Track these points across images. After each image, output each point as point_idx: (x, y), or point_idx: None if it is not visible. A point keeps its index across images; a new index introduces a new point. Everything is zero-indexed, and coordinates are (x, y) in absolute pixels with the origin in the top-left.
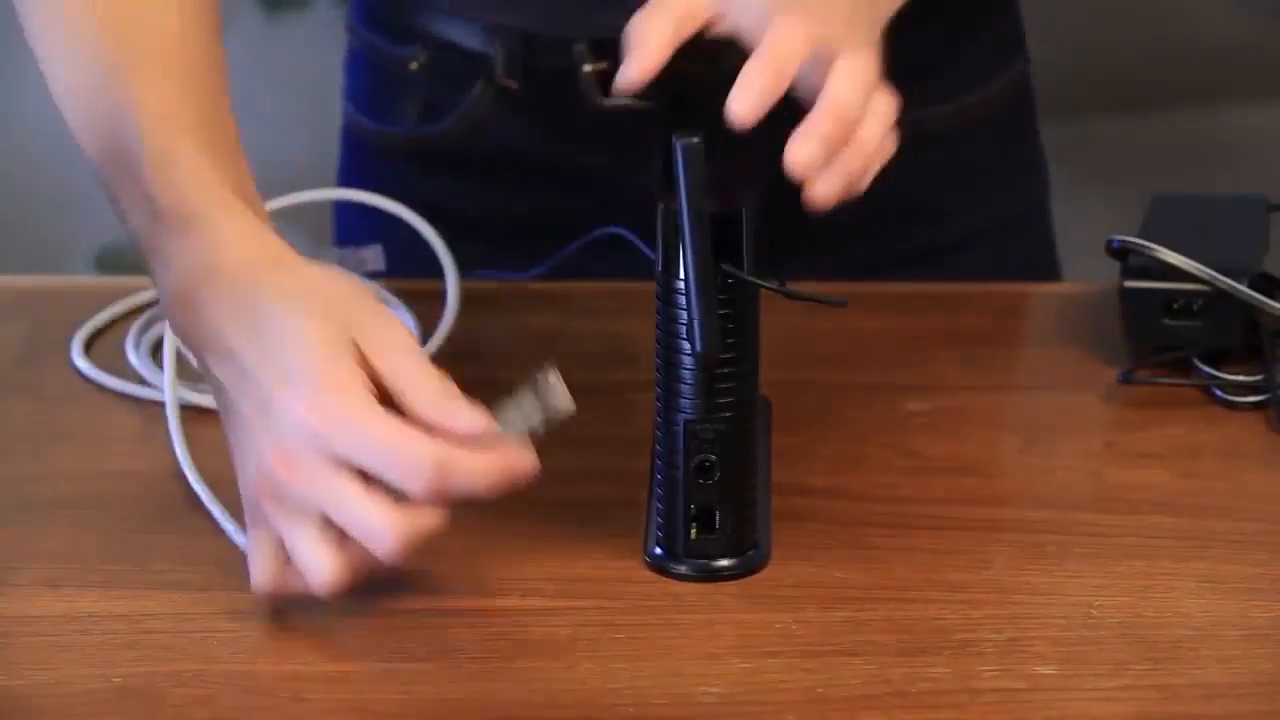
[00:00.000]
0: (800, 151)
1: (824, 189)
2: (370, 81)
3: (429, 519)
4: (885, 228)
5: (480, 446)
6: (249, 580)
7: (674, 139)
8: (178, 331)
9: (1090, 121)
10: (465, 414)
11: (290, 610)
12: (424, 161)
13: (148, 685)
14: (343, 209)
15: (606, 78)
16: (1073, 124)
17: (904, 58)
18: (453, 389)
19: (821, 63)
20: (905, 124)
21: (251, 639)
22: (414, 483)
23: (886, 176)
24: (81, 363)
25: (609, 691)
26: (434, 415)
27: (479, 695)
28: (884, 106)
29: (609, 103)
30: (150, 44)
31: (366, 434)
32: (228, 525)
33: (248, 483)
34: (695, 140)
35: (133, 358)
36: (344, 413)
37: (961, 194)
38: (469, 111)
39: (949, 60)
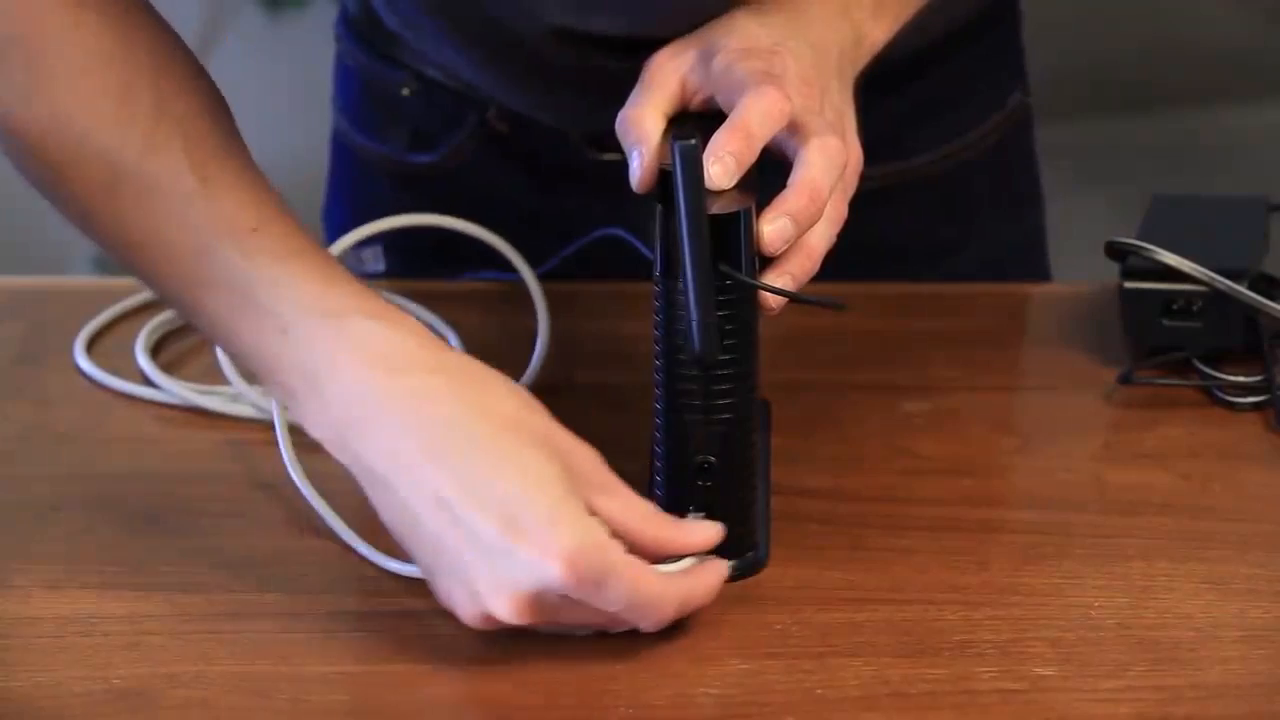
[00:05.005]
0: (773, 227)
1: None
2: (359, 97)
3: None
4: (882, 272)
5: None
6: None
7: (672, 142)
8: (325, 441)
9: (1090, 121)
10: (699, 533)
11: (290, 612)
12: (411, 186)
13: (146, 687)
14: (333, 208)
15: (599, 137)
16: (1073, 124)
17: (900, 111)
18: (663, 515)
19: (796, 130)
20: (901, 170)
21: (250, 640)
22: (654, 624)
23: (882, 221)
24: (84, 363)
25: (608, 692)
26: (670, 549)
27: (478, 696)
28: (851, 181)
29: (604, 157)
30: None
31: (622, 589)
32: (359, 544)
33: (459, 604)
34: (693, 142)
35: (141, 361)
36: (595, 573)
37: (959, 232)
38: (459, 148)
39: (947, 106)
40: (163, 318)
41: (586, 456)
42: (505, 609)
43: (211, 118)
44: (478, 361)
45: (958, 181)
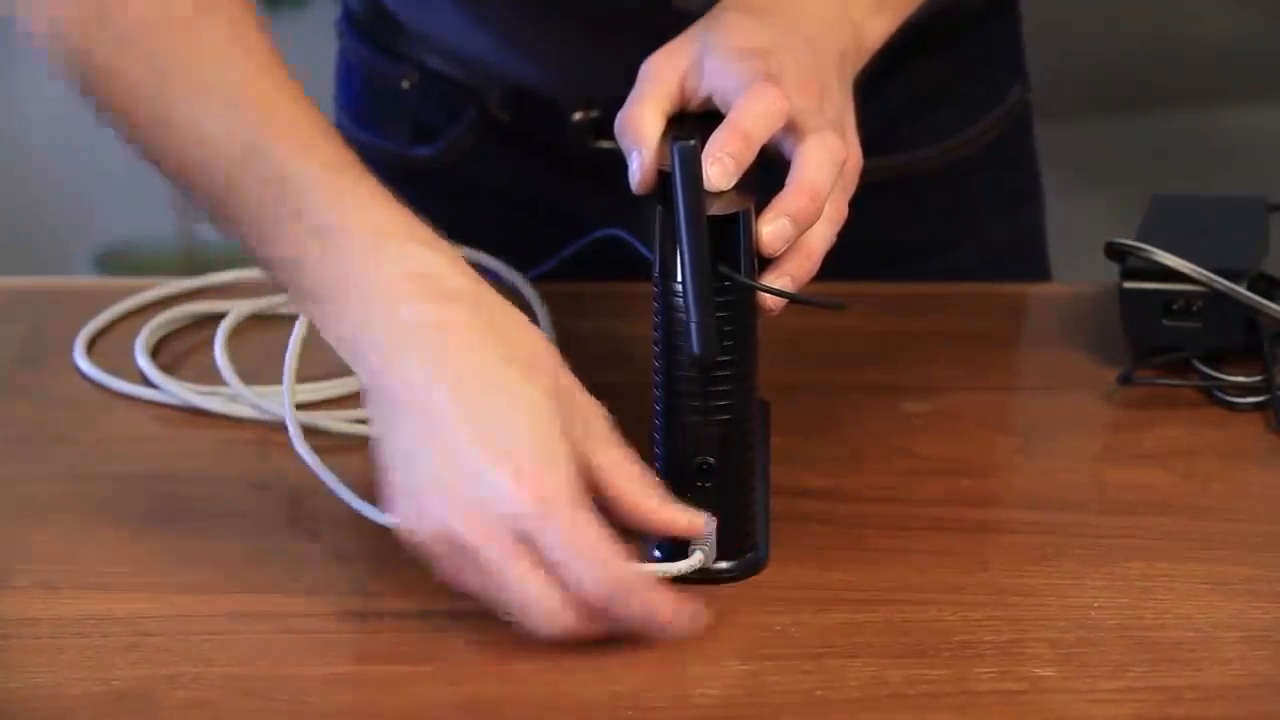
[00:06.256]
0: (772, 228)
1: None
2: (361, 93)
3: (586, 626)
4: (879, 264)
5: (660, 592)
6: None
7: (671, 143)
8: (341, 348)
9: (1090, 121)
10: (680, 518)
11: (290, 613)
12: (414, 181)
13: (146, 688)
14: None
15: (597, 124)
16: (1073, 124)
17: (899, 103)
18: (659, 489)
19: (794, 129)
20: (900, 164)
21: (250, 642)
22: (591, 590)
23: (880, 214)
24: (84, 363)
25: (608, 694)
26: (647, 520)
27: (478, 697)
28: (850, 180)
29: (602, 145)
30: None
31: (574, 537)
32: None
33: (424, 523)
34: (692, 144)
35: (141, 361)
36: (559, 510)
37: (958, 228)
38: (460, 139)
39: (946, 99)
40: (163, 318)
41: (593, 410)
42: (465, 524)
43: (256, 22)
44: (508, 302)
45: (958, 177)
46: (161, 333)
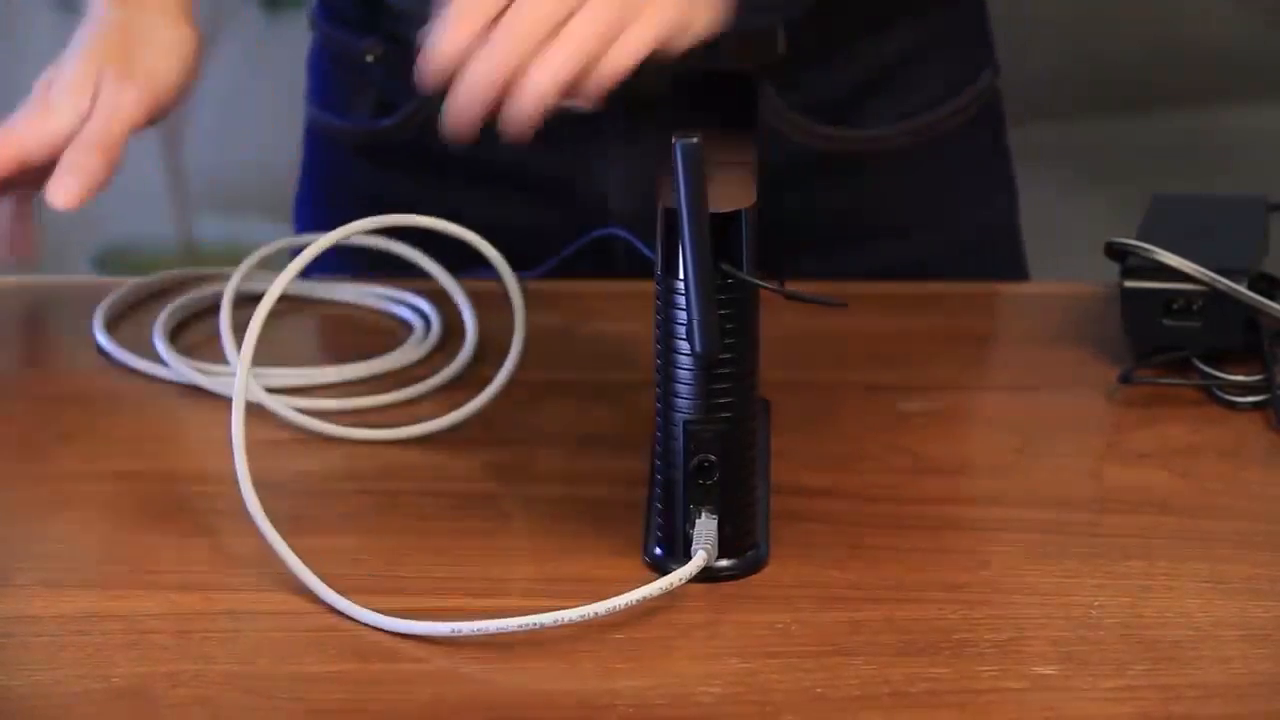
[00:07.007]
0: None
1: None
2: (328, 74)
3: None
4: (847, 246)
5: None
6: None
7: (673, 139)
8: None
9: (1091, 121)
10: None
11: (290, 611)
12: (380, 158)
13: (146, 686)
14: (304, 202)
15: None
16: (1074, 124)
17: (866, 73)
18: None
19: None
20: (867, 138)
21: (250, 639)
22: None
23: (849, 193)
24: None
25: (608, 692)
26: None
27: (478, 695)
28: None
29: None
30: None
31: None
32: (269, 530)
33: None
34: (694, 140)
35: (141, 363)
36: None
37: (926, 211)
38: (422, 107)
39: (913, 75)
40: (173, 307)
41: (129, 101)
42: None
43: None
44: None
45: (927, 160)
46: (173, 323)
